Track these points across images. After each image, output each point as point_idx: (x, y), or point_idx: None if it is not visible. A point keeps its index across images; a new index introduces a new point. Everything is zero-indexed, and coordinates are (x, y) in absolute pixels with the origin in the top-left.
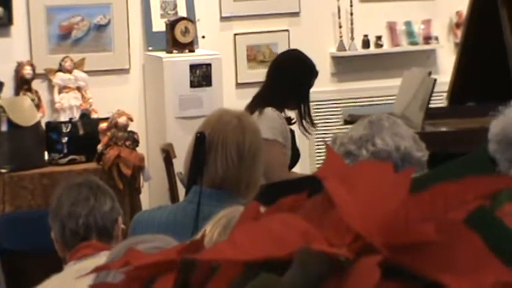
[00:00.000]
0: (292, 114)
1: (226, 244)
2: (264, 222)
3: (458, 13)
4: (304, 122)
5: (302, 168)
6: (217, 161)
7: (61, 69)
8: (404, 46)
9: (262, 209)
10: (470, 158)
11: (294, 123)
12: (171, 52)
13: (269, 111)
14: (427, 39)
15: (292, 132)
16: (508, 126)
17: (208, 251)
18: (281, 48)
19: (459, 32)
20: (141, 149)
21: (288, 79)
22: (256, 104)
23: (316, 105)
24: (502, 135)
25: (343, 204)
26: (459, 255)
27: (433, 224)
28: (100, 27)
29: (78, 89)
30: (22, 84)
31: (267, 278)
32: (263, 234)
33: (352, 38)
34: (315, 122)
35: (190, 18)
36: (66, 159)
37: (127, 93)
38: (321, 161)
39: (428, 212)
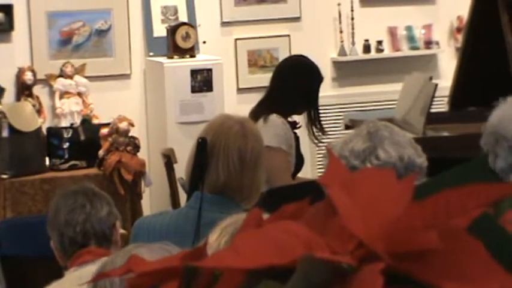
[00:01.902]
0: (297, 118)
1: (229, 252)
2: (266, 229)
3: (459, 18)
4: (314, 128)
5: (304, 173)
6: (218, 166)
7: (62, 74)
8: (405, 51)
9: (264, 215)
10: (472, 165)
11: (299, 127)
12: (172, 57)
13: (274, 118)
14: (428, 43)
15: (296, 137)
16: (505, 120)
17: (211, 259)
18: (282, 53)
19: (460, 37)
20: (142, 155)
21: (292, 85)
22: (260, 111)
23: None
24: (495, 127)
25: (345, 211)
26: (462, 263)
27: (436, 231)
28: (101, 33)
29: (79, 94)
30: (23, 89)
31: (269, 286)
32: (266, 242)
33: (353, 43)
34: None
35: (191, 24)
36: (67, 165)
37: (128, 98)
38: (322, 166)
39: (431, 220)
